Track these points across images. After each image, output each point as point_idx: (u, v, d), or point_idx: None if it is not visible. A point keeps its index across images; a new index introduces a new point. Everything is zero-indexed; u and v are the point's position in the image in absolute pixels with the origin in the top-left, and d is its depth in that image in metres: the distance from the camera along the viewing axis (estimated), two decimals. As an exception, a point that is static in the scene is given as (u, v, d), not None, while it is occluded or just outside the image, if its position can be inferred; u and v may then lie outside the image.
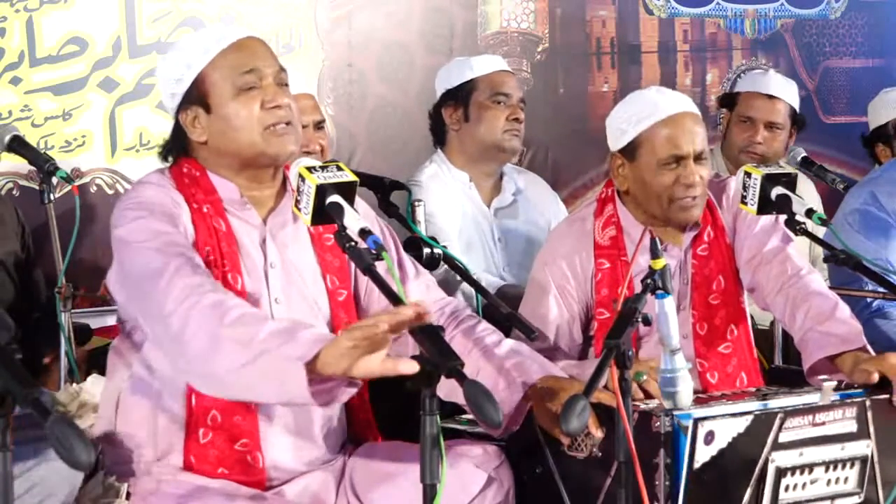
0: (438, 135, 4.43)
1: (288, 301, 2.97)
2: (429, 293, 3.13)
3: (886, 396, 3.04)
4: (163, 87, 3.01)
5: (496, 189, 4.42)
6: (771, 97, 4.88)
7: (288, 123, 2.92)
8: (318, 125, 3.95)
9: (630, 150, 3.42)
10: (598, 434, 2.86)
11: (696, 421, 2.77)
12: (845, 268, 3.40)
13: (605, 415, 2.86)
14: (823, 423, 2.95)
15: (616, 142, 3.46)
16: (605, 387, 2.69)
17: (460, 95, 4.36)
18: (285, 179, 3.03)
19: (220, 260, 2.89)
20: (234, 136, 2.91)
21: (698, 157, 3.39)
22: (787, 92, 4.92)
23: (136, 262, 2.80)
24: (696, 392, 3.03)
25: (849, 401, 3.00)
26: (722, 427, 2.82)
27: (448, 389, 2.57)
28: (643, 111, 3.41)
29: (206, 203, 2.92)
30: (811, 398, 3.00)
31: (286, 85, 2.96)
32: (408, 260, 3.19)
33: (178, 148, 3.00)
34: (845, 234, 4.30)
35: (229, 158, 2.95)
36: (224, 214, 2.94)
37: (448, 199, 4.26)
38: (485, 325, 3.10)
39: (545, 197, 4.58)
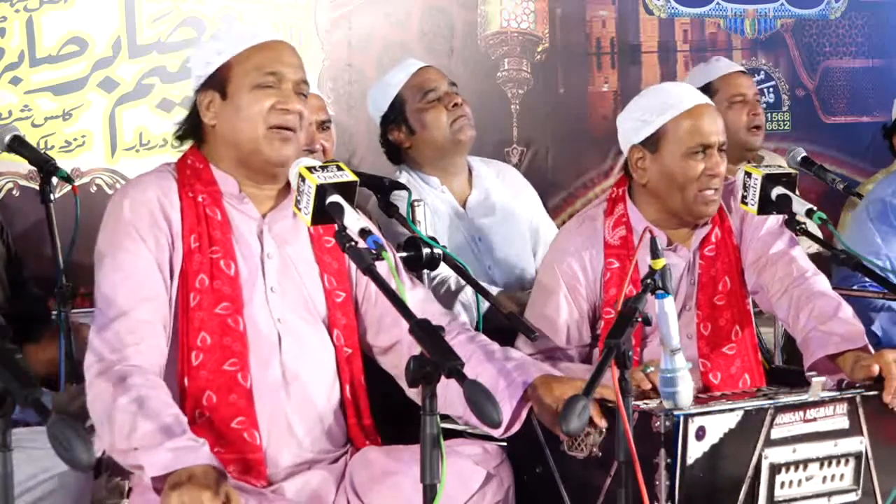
0: (396, 157, 4.39)
1: (283, 291, 3.00)
2: (423, 305, 3.13)
3: (877, 393, 3.05)
4: (193, 69, 3.10)
5: (469, 186, 4.37)
6: (744, 72, 4.90)
7: (293, 130, 2.99)
8: (323, 125, 3.94)
9: (653, 142, 3.42)
10: (602, 423, 2.86)
11: (686, 417, 2.79)
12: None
13: (606, 415, 2.86)
14: (815, 420, 2.97)
15: (636, 134, 3.45)
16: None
17: (395, 115, 4.27)
18: (287, 183, 3.05)
19: (209, 247, 2.95)
20: (239, 127, 2.99)
21: (720, 148, 3.42)
22: None
23: (99, 294, 2.91)
24: (697, 392, 3.03)
25: (839, 397, 3.02)
26: (712, 423, 2.83)
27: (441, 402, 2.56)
28: (666, 102, 3.42)
29: (202, 193, 2.99)
30: (805, 396, 3.01)
31: (304, 95, 3.04)
32: (404, 273, 3.21)
33: (190, 129, 3.08)
34: (859, 221, 4.30)
35: (230, 149, 3.01)
36: (221, 204, 3.00)
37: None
38: (482, 336, 3.13)
39: (517, 184, 4.50)
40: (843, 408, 3.01)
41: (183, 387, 2.90)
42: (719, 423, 2.84)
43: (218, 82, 3.01)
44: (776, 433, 2.91)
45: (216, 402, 2.90)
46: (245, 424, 2.90)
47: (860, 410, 3.03)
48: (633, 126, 3.46)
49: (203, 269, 2.93)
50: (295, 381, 2.97)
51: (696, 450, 2.80)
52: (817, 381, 2.98)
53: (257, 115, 2.97)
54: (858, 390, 3.07)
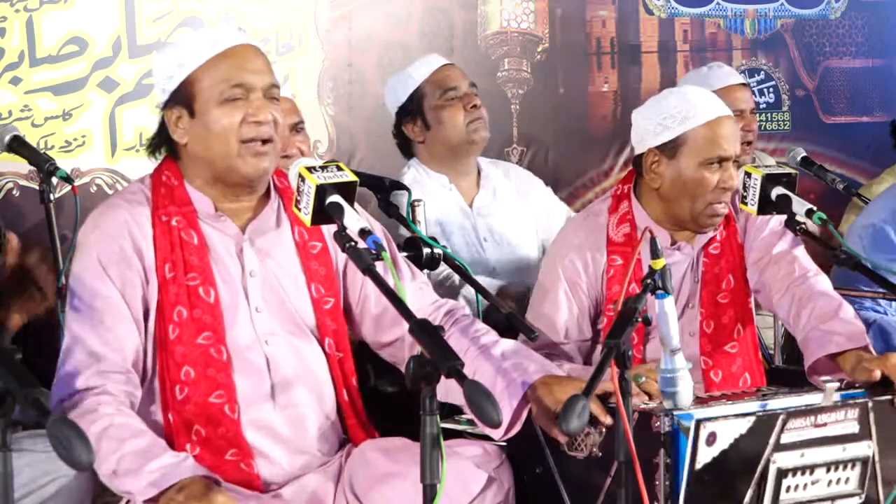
0: (407, 150, 4.40)
1: (269, 309, 2.96)
2: (423, 294, 3.13)
3: (889, 398, 3.04)
4: (155, 81, 3.01)
5: (476, 186, 4.38)
6: (744, 84, 4.89)
7: (267, 141, 2.91)
8: (296, 127, 3.88)
9: (671, 148, 3.41)
10: (607, 420, 2.86)
11: (699, 422, 2.77)
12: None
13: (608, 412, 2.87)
14: (825, 425, 2.94)
15: (655, 137, 3.44)
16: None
17: (413, 108, 4.31)
18: (268, 188, 3.03)
19: (185, 274, 2.89)
20: (211, 144, 2.90)
21: (735, 159, 3.42)
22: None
23: (69, 322, 2.87)
24: (696, 391, 3.02)
25: (851, 402, 3.00)
26: (724, 428, 2.81)
27: (442, 391, 2.56)
28: (689, 110, 3.41)
29: (177, 215, 2.92)
30: (812, 398, 3.00)
31: (276, 98, 2.95)
32: (403, 261, 3.19)
33: (162, 143, 3.01)
34: (852, 245, 4.28)
35: (204, 167, 2.94)
36: (197, 226, 2.93)
37: (430, 204, 4.20)
38: (480, 325, 3.09)
39: (525, 184, 4.53)
40: (854, 413, 2.98)
41: (168, 422, 2.87)
42: (731, 429, 2.82)
43: (184, 98, 2.91)
44: (786, 438, 2.89)
45: (206, 436, 2.86)
46: (238, 456, 2.88)
47: (871, 415, 3.00)
48: (652, 128, 3.44)
49: (180, 300, 2.87)
50: (286, 403, 2.94)
51: (705, 455, 2.79)
52: (831, 386, 2.96)
53: (229, 132, 2.87)
54: (863, 393, 3.06)
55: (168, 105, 2.96)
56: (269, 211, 3.01)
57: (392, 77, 4.49)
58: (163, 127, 2.99)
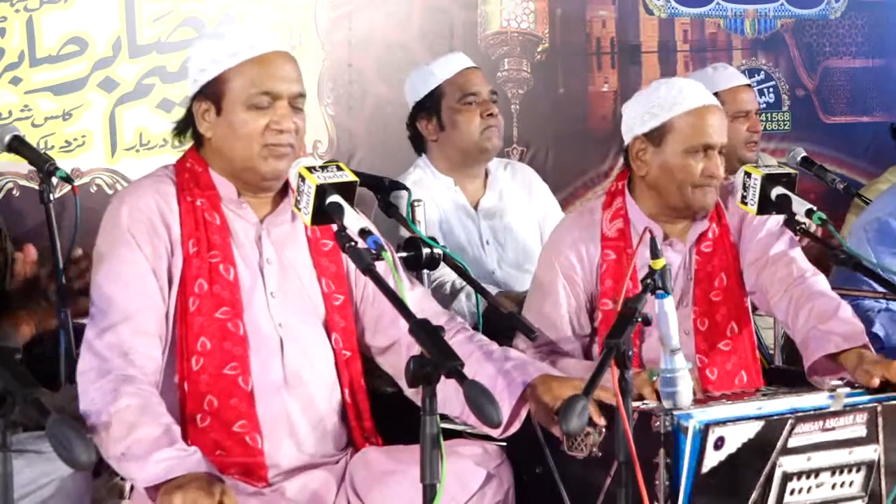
0: (418, 145, 4.40)
1: (284, 296, 3.00)
2: (422, 304, 3.14)
3: None
4: (189, 68, 3.07)
5: (482, 189, 4.38)
6: (749, 85, 4.89)
7: (289, 146, 2.97)
8: None
9: (657, 135, 3.42)
10: (601, 421, 2.86)
11: (708, 426, 2.76)
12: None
13: (606, 414, 2.86)
14: (833, 429, 2.94)
15: (642, 125, 3.45)
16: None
17: (430, 105, 4.29)
18: (285, 186, 3.07)
19: (207, 251, 2.95)
20: (234, 144, 2.97)
21: (720, 151, 3.43)
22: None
23: (94, 300, 2.92)
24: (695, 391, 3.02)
25: (861, 406, 2.98)
26: (732, 433, 2.80)
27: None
28: (676, 98, 3.42)
29: (201, 197, 2.99)
30: (812, 399, 2.99)
31: (300, 108, 3.01)
32: (402, 271, 3.20)
33: (187, 129, 3.07)
34: (857, 240, 4.29)
35: (226, 163, 3.01)
36: (220, 209, 3.00)
37: (434, 205, 4.20)
38: (481, 336, 3.13)
39: (533, 187, 4.51)
40: (862, 417, 2.97)
41: (183, 391, 2.90)
42: (739, 433, 2.82)
43: (213, 94, 2.98)
44: (793, 442, 2.88)
45: (217, 407, 2.89)
46: (246, 428, 2.90)
47: (879, 419, 2.99)
48: (639, 117, 3.46)
49: (202, 273, 2.93)
50: (297, 385, 2.97)
51: (712, 459, 2.78)
52: (842, 391, 2.96)
53: (252, 135, 2.95)
54: (879, 398, 3.04)
55: (198, 97, 3.01)
56: (285, 206, 3.06)
57: (415, 70, 4.46)
58: (190, 115, 3.05)
